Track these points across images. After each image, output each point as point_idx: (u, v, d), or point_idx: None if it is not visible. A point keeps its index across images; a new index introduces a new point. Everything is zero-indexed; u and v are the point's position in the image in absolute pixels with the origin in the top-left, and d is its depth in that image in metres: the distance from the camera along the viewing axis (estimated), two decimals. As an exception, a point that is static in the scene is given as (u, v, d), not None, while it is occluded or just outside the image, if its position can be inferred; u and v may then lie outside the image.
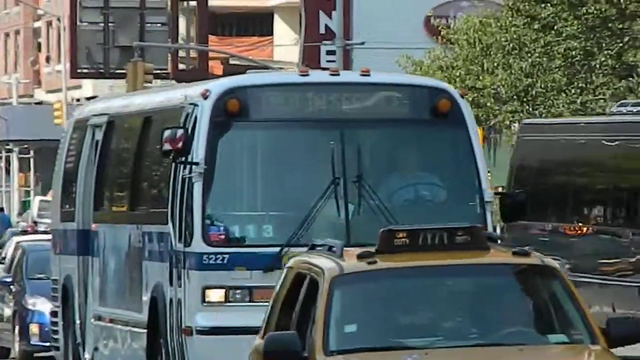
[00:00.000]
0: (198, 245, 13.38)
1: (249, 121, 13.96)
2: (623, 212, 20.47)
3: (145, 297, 15.30)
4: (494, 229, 14.26)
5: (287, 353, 6.18)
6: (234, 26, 62.58)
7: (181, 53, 53.74)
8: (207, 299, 13.44)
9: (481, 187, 13.89)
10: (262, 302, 12.66)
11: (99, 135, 17.42)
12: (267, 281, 12.80)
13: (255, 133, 14.29)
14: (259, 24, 63.01)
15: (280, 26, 60.56)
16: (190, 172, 13.55)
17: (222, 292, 13.42)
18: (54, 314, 19.03)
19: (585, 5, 40.27)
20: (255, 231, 13.88)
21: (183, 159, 13.51)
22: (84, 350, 17.44)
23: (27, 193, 70.03)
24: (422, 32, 50.64)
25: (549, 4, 40.59)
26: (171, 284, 14.30)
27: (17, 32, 75.58)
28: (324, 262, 6.72)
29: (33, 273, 24.46)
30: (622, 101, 27.62)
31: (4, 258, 28.39)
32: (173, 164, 14.18)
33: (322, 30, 49.03)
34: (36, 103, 73.56)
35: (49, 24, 69.75)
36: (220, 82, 15.11)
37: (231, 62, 56.18)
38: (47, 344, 22.03)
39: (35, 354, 23.83)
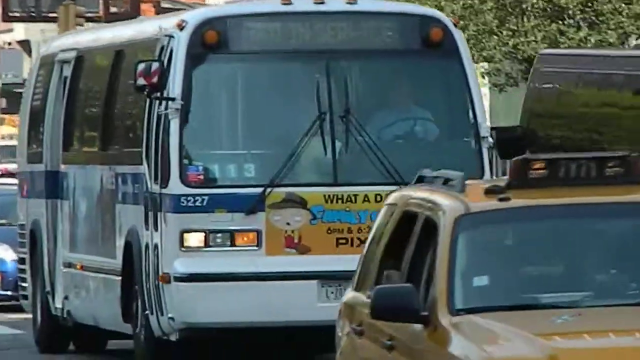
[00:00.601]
0: (175, 186, 12.71)
1: (228, 53, 13.25)
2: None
3: (119, 242, 14.64)
4: (490, 166, 13.18)
5: (403, 311, 5.06)
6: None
7: (112, -4, 57.84)
8: (185, 244, 12.78)
9: (477, 122, 13.22)
10: (244, 246, 12.72)
11: (68, 72, 16.52)
12: (250, 224, 12.58)
13: (235, 66, 13.61)
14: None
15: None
16: (166, 109, 12.85)
17: (201, 236, 12.78)
18: (21, 260, 18.20)
19: None
20: (236, 171, 13.20)
21: (158, 94, 12.82)
22: (53, 299, 16.55)
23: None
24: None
25: None
26: (147, 228, 13.64)
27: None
28: (443, 199, 5.52)
29: None
30: None
31: None
32: (147, 101, 13.43)
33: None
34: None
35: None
36: (197, 12, 14.32)
37: (163, 5, 55.81)
38: (9, 292, 21.87)
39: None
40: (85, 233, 16.00)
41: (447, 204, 5.37)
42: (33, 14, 50.13)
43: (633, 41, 42.28)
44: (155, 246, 13.32)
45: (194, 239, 12.73)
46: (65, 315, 16.15)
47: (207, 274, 12.77)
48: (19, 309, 20.43)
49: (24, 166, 18.42)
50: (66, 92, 16.43)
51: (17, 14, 50.80)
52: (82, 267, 15.82)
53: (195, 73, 13.00)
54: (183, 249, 12.79)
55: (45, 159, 16.91)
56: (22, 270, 17.90)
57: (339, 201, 12.72)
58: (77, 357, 16.96)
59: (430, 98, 13.68)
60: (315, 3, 13.75)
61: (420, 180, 6.06)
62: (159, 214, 13.19)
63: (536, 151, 17.34)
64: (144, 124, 13.73)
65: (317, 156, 13.04)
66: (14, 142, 55.60)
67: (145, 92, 12.97)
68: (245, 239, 12.70)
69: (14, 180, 33.54)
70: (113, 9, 52.24)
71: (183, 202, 12.71)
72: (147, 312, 13.68)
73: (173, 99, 12.64)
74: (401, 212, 5.98)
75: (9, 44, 68.82)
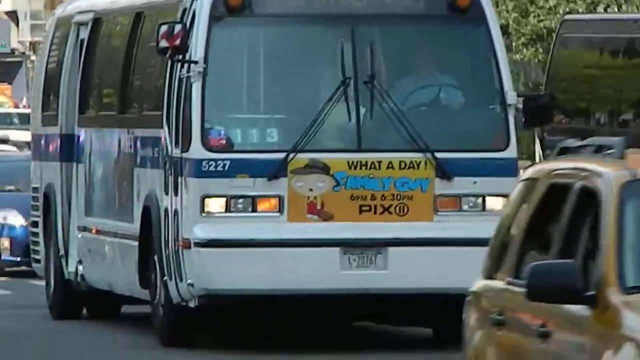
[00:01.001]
0: (197, 150, 12.55)
1: (251, 16, 13.07)
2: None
3: (137, 207, 14.48)
4: (516, 133, 13.08)
5: (565, 290, 4.42)
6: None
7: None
8: (206, 209, 12.64)
9: (503, 89, 12.95)
10: (265, 212, 12.62)
11: (84, 34, 16.39)
12: (272, 190, 12.44)
13: (259, 29, 13.41)
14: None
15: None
16: (188, 72, 12.69)
17: (222, 201, 12.65)
18: (34, 224, 17.88)
19: None
20: (259, 136, 13.07)
21: (181, 57, 12.65)
22: (67, 263, 16.43)
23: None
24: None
25: None
26: (166, 192, 13.45)
27: None
28: (602, 166, 4.90)
29: (2, 185, 23.76)
30: None
31: None
32: (169, 63, 13.25)
33: None
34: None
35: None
36: None
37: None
38: (19, 258, 22.07)
39: (7, 269, 22.91)
40: (101, 197, 15.92)
41: (608, 171, 4.77)
42: None
43: (601, 10, 42.35)
44: (175, 211, 13.13)
45: (215, 205, 12.61)
46: (79, 280, 16.01)
47: (228, 240, 12.62)
48: (28, 275, 20.73)
49: (38, 129, 18.16)
50: (83, 54, 16.27)
51: None
52: (97, 232, 15.76)
53: (218, 36, 12.81)
54: (204, 214, 12.64)
55: (60, 121, 16.71)
56: (35, 234, 17.69)
57: (363, 167, 12.58)
58: (91, 324, 16.70)
59: (456, 64, 13.47)
60: None
61: (563, 152, 5.54)
62: (179, 178, 12.98)
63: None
64: (164, 87, 13.57)
65: (341, 122, 12.83)
66: (4, 110, 57.19)
67: (168, 55, 12.82)
68: (267, 205, 12.62)
69: (12, 148, 35.39)
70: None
71: (204, 167, 12.55)
72: (165, 278, 13.56)
73: (196, 62, 12.45)
74: (546, 186, 5.35)
75: (-4, 13, 71.40)
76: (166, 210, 13.43)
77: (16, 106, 57.58)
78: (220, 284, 12.65)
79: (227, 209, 12.58)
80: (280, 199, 12.51)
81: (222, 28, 12.80)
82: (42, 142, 17.77)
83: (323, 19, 13.19)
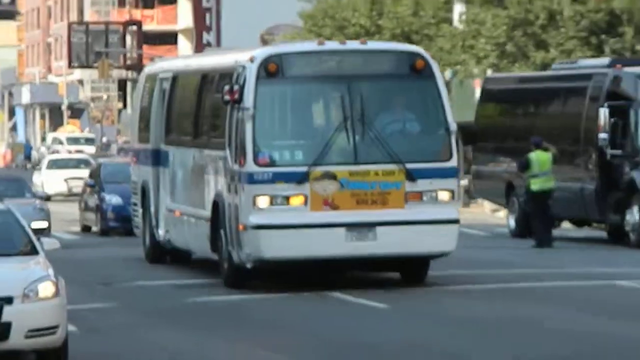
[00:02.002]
0: (250, 166, 15.32)
1: (283, 77, 15.86)
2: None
3: (209, 201, 17.35)
4: (458, 151, 16.30)
5: None
6: (157, 39, 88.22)
7: (128, 55, 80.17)
8: (256, 205, 15.41)
9: (447, 121, 15.87)
10: (295, 206, 15.37)
11: (167, 86, 19.87)
12: (299, 190, 15.30)
13: (288, 85, 16.23)
14: (170, 38, 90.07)
15: (182, 42, 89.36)
16: (242, 115, 15.46)
17: (267, 199, 15.42)
18: (134, 204, 21.85)
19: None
20: (290, 156, 15.83)
21: (237, 105, 15.51)
22: (157, 230, 20.08)
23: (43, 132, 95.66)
24: (259, 44, 64.33)
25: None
26: (229, 192, 16.13)
27: (38, 44, 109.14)
28: None
29: (108, 179, 31.29)
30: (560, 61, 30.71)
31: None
32: (229, 108, 15.95)
33: (205, 42, 78.74)
34: (49, 83, 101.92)
35: (56, 39, 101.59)
36: (262, 50, 16.99)
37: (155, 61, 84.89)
38: (118, 224, 29.57)
39: (111, 232, 30.40)
40: (181, 190, 19.24)
41: None
42: (85, 65, 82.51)
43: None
44: (236, 205, 15.80)
45: (262, 201, 15.40)
46: (165, 241, 19.69)
47: (271, 225, 15.36)
48: (125, 234, 27.60)
49: (135, 145, 22.85)
50: (166, 99, 19.75)
51: (76, 64, 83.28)
52: (180, 213, 18.99)
53: (261, 91, 15.54)
54: (255, 207, 15.42)
55: (151, 141, 20.45)
56: (135, 211, 21.68)
57: (358, 175, 15.42)
58: (172, 267, 20.28)
59: (415, 106, 16.48)
60: (340, 44, 17.09)
61: None
62: (238, 184, 15.65)
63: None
64: (226, 124, 16.16)
65: (343, 145, 15.59)
66: (76, 135, 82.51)
67: (229, 104, 15.77)
68: (296, 200, 15.42)
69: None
70: (128, 62, 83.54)
71: (255, 177, 15.34)
72: (229, 247, 16.18)
73: (247, 109, 15.34)
74: None
75: (76, 81, 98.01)
76: (229, 204, 16.12)
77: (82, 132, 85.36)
78: (267, 254, 15.36)
79: (270, 204, 15.43)
80: (305, 196, 15.36)
81: (264, 85, 15.56)
82: (139, 154, 21.91)
83: (329, 78, 16.18)
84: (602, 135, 21.72)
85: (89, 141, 75.15)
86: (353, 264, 16.90)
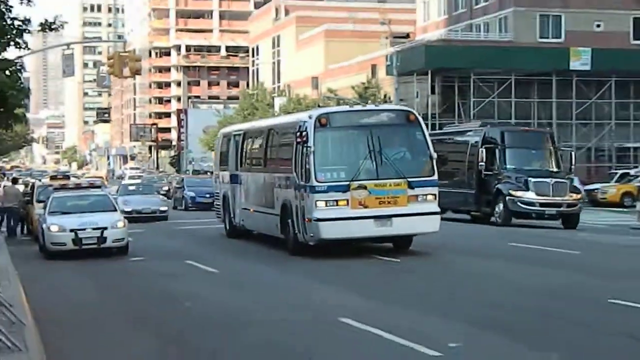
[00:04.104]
0: (313, 182, 19.20)
1: (330, 127, 19.98)
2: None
3: (278, 204, 21.50)
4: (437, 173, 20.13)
5: None
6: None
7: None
8: (317, 206, 19.23)
9: (430, 151, 20.11)
10: (341, 206, 19.27)
11: (239, 139, 26.26)
12: (344, 197, 19.27)
13: (334, 132, 20.21)
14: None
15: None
16: (306, 151, 19.38)
17: (324, 202, 19.29)
18: (217, 205, 29.11)
19: None
20: (337, 175, 19.53)
21: (304, 145, 19.44)
22: (234, 218, 26.51)
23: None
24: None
25: None
26: (296, 199, 19.98)
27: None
28: None
29: (188, 184, 49.41)
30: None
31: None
32: (295, 147, 19.97)
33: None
34: (122, 147, 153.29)
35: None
36: (316, 111, 20.78)
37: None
38: (193, 206, 46.03)
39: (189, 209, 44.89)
40: (253, 196, 24.38)
41: None
42: (137, 139, 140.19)
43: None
44: (302, 206, 19.65)
45: (321, 204, 19.28)
46: (240, 225, 25.89)
47: (326, 218, 19.23)
48: (196, 210, 43.61)
49: (217, 171, 29.47)
50: (239, 146, 26.22)
51: (133, 140, 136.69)
52: (253, 210, 24.28)
53: (317, 135, 19.54)
54: (316, 207, 19.21)
55: (230, 168, 26.85)
56: (219, 209, 28.77)
57: (379, 186, 19.35)
58: (246, 240, 25.99)
59: (411, 142, 20.68)
60: (363, 105, 21.85)
61: None
62: (304, 193, 19.42)
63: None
64: (293, 157, 20.18)
65: (370, 168, 19.49)
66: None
67: (300, 144, 19.77)
68: (342, 203, 19.25)
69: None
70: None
71: (317, 188, 19.16)
72: (296, 231, 20.24)
73: (310, 147, 19.23)
74: None
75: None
76: (297, 206, 19.96)
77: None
78: (325, 235, 19.35)
79: (325, 205, 19.26)
80: (347, 200, 19.25)
81: (319, 132, 19.55)
82: (219, 177, 28.75)
83: (358, 126, 20.15)
84: (481, 163, 31.26)
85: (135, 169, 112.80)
86: (374, 240, 21.14)
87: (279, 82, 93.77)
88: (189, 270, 19.37)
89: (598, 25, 61.37)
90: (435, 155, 20.23)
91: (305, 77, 78.09)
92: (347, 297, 14.49)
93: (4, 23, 21.57)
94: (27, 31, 22.43)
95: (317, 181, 19.16)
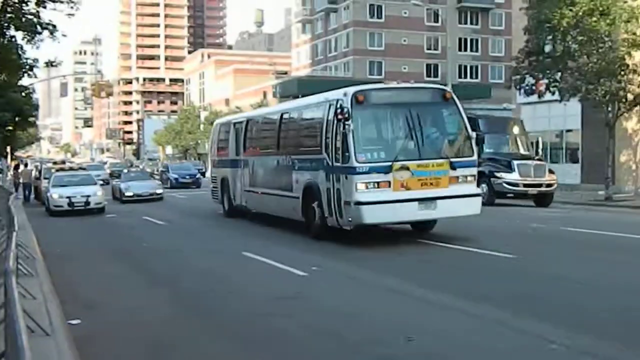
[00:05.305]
0: (353, 162, 16.74)
1: (368, 104, 17.63)
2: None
3: (298, 186, 19.65)
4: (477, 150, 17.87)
5: None
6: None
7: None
8: (357, 188, 16.77)
9: (468, 131, 18.07)
10: (383, 188, 16.79)
11: (240, 127, 25.63)
12: (386, 178, 16.74)
13: (372, 109, 17.77)
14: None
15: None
16: (344, 130, 17.06)
17: (364, 184, 16.73)
18: (215, 188, 29.06)
19: None
20: (378, 156, 17.10)
21: (345, 123, 17.09)
22: (234, 200, 26.50)
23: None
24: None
25: None
26: (328, 181, 17.83)
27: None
28: None
29: (172, 170, 57.37)
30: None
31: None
32: (325, 127, 18.17)
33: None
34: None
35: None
36: (351, 88, 17.98)
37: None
38: (177, 185, 53.64)
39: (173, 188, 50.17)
40: (262, 180, 23.47)
41: None
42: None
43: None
44: (337, 189, 17.30)
45: (362, 185, 16.76)
46: (243, 205, 25.30)
47: (367, 202, 16.72)
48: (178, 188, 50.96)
49: (214, 157, 29.27)
50: (242, 134, 25.15)
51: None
52: (261, 193, 23.22)
53: (355, 114, 17.23)
54: (357, 190, 16.75)
55: (230, 154, 26.44)
56: (216, 191, 28.74)
57: (422, 167, 17.10)
58: (250, 221, 25.61)
59: (449, 121, 18.51)
60: (397, 83, 19.13)
61: None
62: (341, 175, 17.04)
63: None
64: (320, 138, 18.43)
65: (411, 148, 17.25)
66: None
67: (333, 123, 17.42)
68: (384, 184, 16.89)
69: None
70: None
71: (358, 170, 16.68)
72: (325, 215, 18.00)
73: (349, 125, 17.11)
74: None
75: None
76: (328, 189, 17.68)
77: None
78: (367, 220, 16.96)
79: (366, 187, 16.74)
80: (389, 182, 16.81)
81: (356, 110, 17.18)
82: (217, 162, 28.75)
83: (397, 104, 17.78)
84: None
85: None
86: (421, 224, 19.35)
87: (203, 101, 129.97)
88: (145, 223, 26.90)
89: (405, 68, 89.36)
90: (473, 134, 18.29)
91: (221, 98, 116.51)
92: (252, 241, 19.88)
93: (21, 61, 28.76)
94: (36, 67, 29.59)
95: (358, 162, 16.86)
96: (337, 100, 17.47)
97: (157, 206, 34.69)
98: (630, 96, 32.55)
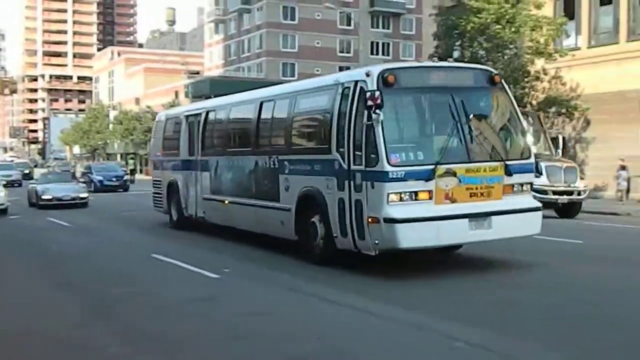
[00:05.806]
0: (384, 166, 13.15)
1: (398, 87, 13.98)
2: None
3: (289, 194, 16.12)
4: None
5: None
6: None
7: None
8: (390, 200, 13.18)
9: (521, 123, 14.90)
10: (423, 200, 13.30)
11: (195, 120, 22.22)
12: (426, 187, 13.30)
13: (405, 96, 14.42)
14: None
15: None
16: (369, 120, 13.36)
17: (398, 195, 13.31)
18: (158, 194, 25.23)
19: None
20: (417, 156, 13.65)
21: (374, 111, 13.43)
22: (186, 210, 22.64)
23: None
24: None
25: None
26: (341, 190, 14.26)
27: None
28: None
29: (96, 171, 52.31)
30: None
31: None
32: (337, 118, 14.82)
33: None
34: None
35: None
36: (376, 67, 14.79)
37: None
38: (101, 188, 48.74)
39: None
40: (230, 185, 19.91)
41: None
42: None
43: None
44: (357, 201, 13.60)
45: (394, 196, 13.23)
46: (199, 217, 21.69)
47: (404, 218, 13.10)
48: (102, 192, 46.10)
49: (156, 157, 25.32)
50: (200, 128, 21.32)
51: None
52: (228, 202, 19.50)
53: (384, 101, 13.62)
54: (389, 203, 13.17)
55: (180, 153, 22.74)
56: (159, 198, 24.90)
57: (472, 172, 13.79)
58: (197, 233, 22.13)
59: (499, 111, 15.12)
60: (432, 62, 15.90)
61: None
62: (364, 182, 13.52)
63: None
64: (330, 132, 14.90)
65: (458, 146, 14.00)
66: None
67: (370, 108, 13.57)
68: (424, 195, 13.43)
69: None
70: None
71: (391, 175, 13.16)
72: (334, 234, 14.42)
73: (378, 114, 13.51)
74: None
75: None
76: (342, 200, 14.07)
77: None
78: (403, 244, 13.40)
79: (400, 199, 13.24)
80: (430, 192, 13.40)
81: (386, 95, 13.65)
82: (163, 163, 24.75)
83: (437, 88, 14.42)
84: None
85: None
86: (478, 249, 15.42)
87: (113, 100, 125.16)
88: (53, 225, 25.57)
89: (317, 70, 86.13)
90: (526, 127, 15.43)
91: (131, 97, 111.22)
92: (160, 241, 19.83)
93: None
94: None
95: (391, 164, 13.19)
96: (356, 83, 14.19)
97: (82, 213, 31.88)
98: (534, 102, 34.07)
